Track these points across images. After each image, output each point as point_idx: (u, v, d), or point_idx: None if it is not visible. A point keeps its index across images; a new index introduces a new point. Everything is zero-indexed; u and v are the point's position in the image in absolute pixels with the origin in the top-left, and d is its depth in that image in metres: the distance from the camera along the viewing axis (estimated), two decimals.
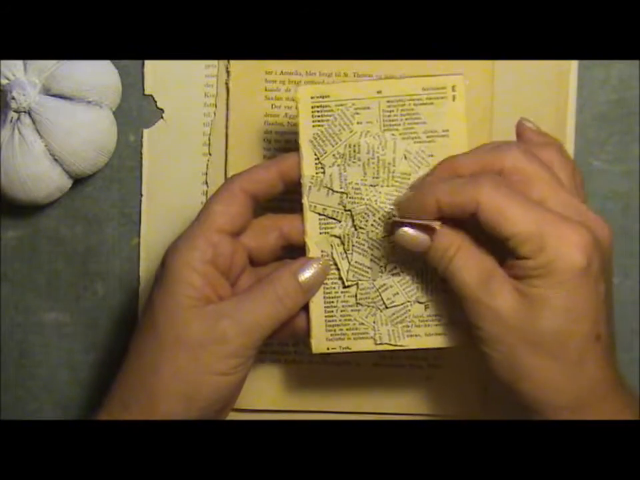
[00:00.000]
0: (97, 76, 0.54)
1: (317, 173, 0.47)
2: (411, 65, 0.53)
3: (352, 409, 0.55)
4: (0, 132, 0.53)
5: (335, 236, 0.47)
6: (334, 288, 0.48)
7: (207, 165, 0.55)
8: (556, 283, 0.41)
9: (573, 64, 0.54)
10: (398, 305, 0.47)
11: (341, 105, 0.47)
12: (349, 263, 0.47)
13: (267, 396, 0.55)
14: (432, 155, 0.46)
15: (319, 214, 0.47)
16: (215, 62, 0.55)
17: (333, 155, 0.47)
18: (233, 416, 0.54)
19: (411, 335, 0.47)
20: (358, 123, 0.47)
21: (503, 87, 0.53)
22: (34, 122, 0.53)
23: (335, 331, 0.48)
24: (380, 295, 0.47)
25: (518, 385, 0.43)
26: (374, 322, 0.47)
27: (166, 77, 0.55)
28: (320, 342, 0.48)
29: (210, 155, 0.55)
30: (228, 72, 0.54)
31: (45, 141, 0.53)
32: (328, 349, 0.48)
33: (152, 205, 0.56)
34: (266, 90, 0.54)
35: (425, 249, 0.44)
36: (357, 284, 0.47)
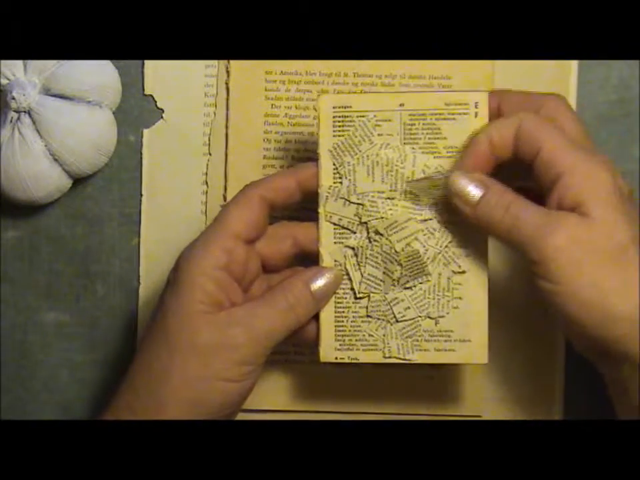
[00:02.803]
0: (97, 76, 0.54)
1: (334, 183, 0.47)
2: (411, 65, 0.53)
3: (352, 409, 0.55)
4: (0, 132, 0.53)
5: (349, 247, 0.47)
6: (345, 298, 0.48)
7: (207, 164, 0.55)
8: (598, 200, 0.43)
9: (573, 64, 0.54)
10: (409, 320, 0.47)
11: (363, 116, 0.47)
12: (362, 274, 0.47)
13: (267, 396, 0.55)
14: None
15: (334, 224, 0.47)
16: (215, 62, 0.55)
17: (352, 166, 0.47)
18: (238, 416, 0.54)
19: (420, 350, 0.47)
20: (379, 134, 0.47)
21: (503, 87, 0.53)
22: (34, 122, 0.53)
23: (344, 341, 0.48)
24: (391, 309, 0.47)
25: (603, 306, 0.43)
26: (384, 335, 0.47)
27: (166, 76, 0.55)
28: (328, 351, 0.48)
29: (210, 154, 0.55)
30: (228, 72, 0.54)
31: (45, 140, 0.53)
32: (336, 358, 0.48)
33: (152, 205, 0.56)
34: (266, 90, 0.54)
35: (478, 198, 0.45)
36: (368, 296, 0.47)
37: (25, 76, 0.53)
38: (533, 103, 0.46)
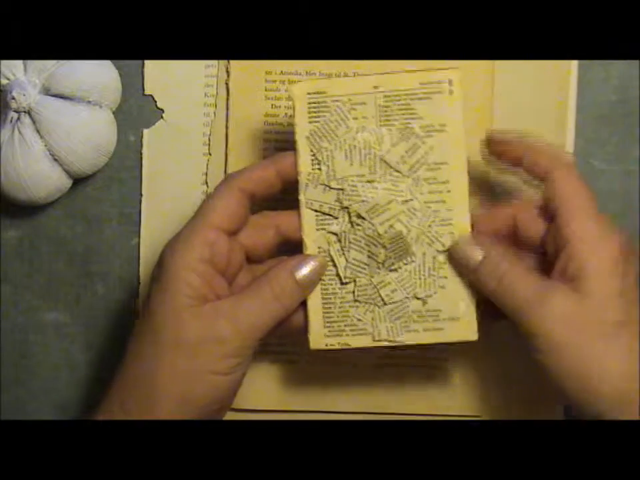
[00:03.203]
0: (97, 76, 0.54)
1: (313, 170, 0.47)
2: (411, 65, 0.53)
3: (352, 408, 0.55)
4: (0, 132, 0.53)
5: (332, 233, 0.47)
6: (331, 285, 0.47)
7: (207, 164, 0.55)
8: (597, 278, 0.44)
9: (573, 64, 0.54)
10: (396, 301, 0.47)
11: (337, 101, 0.46)
12: (346, 260, 0.47)
13: (266, 396, 0.55)
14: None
15: (316, 211, 0.47)
16: (215, 62, 0.55)
17: (330, 151, 0.47)
18: (232, 416, 0.54)
19: (410, 331, 0.47)
20: (354, 118, 0.47)
21: (503, 86, 0.53)
22: (34, 122, 0.53)
23: (333, 327, 0.48)
24: (378, 292, 0.47)
25: (585, 384, 0.43)
26: (372, 318, 0.47)
27: (166, 76, 0.55)
28: (318, 338, 0.48)
29: (210, 155, 0.55)
30: (228, 72, 0.54)
31: (45, 141, 0.53)
32: (326, 345, 0.48)
33: (152, 204, 0.56)
34: (266, 90, 0.54)
35: (476, 265, 0.46)
36: (354, 281, 0.47)
37: (25, 76, 0.53)
38: (542, 168, 0.46)
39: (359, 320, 0.48)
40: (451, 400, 0.54)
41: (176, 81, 0.55)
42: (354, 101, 0.46)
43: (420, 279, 0.47)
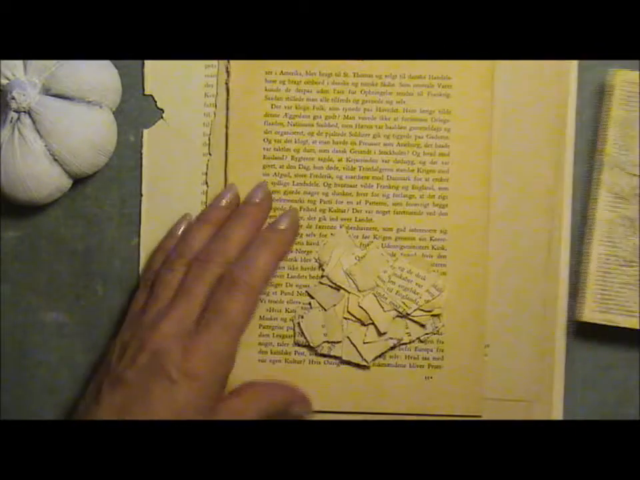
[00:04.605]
0: (97, 76, 0.54)
1: (616, 154, 0.49)
2: (411, 65, 0.53)
3: (352, 408, 0.55)
4: (0, 132, 0.53)
5: (624, 217, 0.49)
6: (611, 265, 0.50)
7: (207, 165, 0.55)
8: None
9: (573, 64, 0.54)
10: None
11: None
12: (634, 244, 0.49)
13: None
14: None
15: (610, 192, 0.49)
16: (215, 62, 0.55)
17: (635, 139, 0.49)
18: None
19: None
20: None
21: (503, 86, 0.53)
22: (34, 122, 0.53)
23: (604, 304, 0.50)
24: None
25: None
26: None
27: (166, 76, 0.55)
28: (590, 311, 0.50)
29: (210, 155, 0.55)
30: (228, 72, 0.54)
31: (45, 140, 0.53)
32: (597, 319, 0.50)
33: (152, 205, 0.56)
34: (266, 90, 0.54)
35: None
36: (638, 264, 0.49)
37: (25, 76, 0.53)
38: None
39: (635, 302, 0.50)
40: (451, 400, 0.54)
41: (176, 81, 0.55)
42: None
43: None
